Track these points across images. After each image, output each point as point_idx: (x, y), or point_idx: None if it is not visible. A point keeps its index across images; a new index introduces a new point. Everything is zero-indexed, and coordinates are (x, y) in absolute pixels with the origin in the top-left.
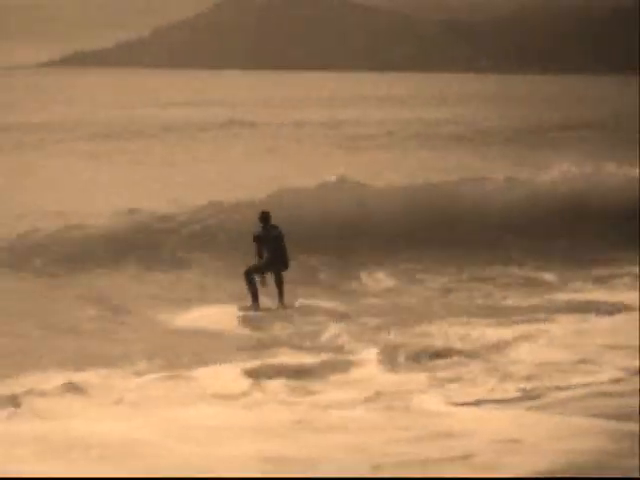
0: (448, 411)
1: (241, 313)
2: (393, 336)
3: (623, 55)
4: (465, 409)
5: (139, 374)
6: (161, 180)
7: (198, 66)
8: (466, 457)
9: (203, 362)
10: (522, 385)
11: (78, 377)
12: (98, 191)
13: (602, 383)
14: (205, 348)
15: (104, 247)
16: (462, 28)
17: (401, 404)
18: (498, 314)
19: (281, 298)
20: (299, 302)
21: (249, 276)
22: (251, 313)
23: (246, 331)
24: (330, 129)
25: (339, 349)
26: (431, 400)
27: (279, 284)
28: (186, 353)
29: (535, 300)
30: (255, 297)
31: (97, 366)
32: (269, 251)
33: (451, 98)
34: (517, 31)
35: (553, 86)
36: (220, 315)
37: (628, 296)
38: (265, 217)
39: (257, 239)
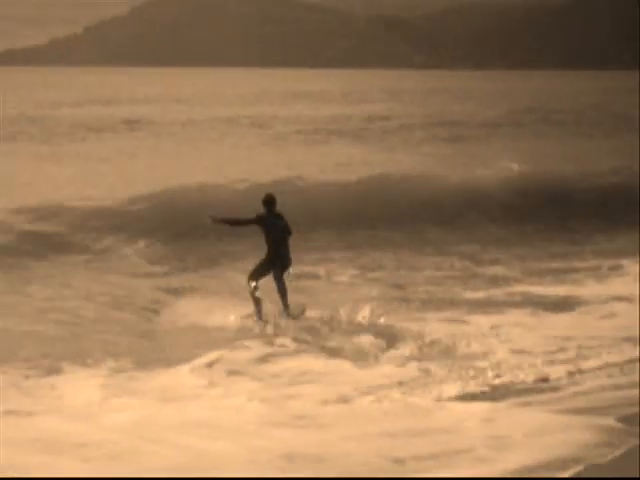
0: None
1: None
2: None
3: (562, 51)
4: (453, 404)
5: None
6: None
7: (133, 63)
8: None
9: None
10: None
11: None
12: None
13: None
14: None
15: None
16: (397, 24)
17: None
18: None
19: (286, 306)
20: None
21: (255, 282)
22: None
23: None
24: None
25: None
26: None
27: (283, 289)
28: None
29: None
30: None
31: None
32: (273, 243)
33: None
34: (451, 27)
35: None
36: None
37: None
38: (270, 201)
39: (261, 221)
